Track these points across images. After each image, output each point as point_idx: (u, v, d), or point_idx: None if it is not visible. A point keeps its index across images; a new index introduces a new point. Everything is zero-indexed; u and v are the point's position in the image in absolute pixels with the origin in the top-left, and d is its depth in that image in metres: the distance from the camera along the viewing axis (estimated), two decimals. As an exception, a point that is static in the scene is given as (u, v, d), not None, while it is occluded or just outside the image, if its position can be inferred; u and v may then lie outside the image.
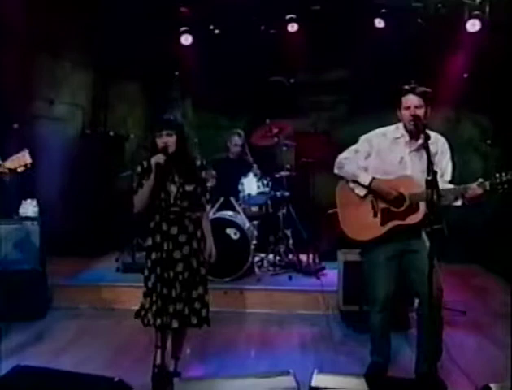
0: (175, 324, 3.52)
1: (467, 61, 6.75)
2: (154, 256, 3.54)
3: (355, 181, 3.68)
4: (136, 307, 3.69)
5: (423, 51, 6.61)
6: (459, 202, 3.48)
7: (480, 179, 3.37)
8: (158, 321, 3.50)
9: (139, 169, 3.57)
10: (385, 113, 3.97)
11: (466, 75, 6.90)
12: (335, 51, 7.05)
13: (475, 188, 3.36)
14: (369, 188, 3.62)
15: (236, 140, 6.37)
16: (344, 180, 3.77)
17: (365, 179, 3.63)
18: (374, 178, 3.60)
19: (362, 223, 3.65)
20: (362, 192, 3.68)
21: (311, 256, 6.14)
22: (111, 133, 7.34)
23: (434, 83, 3.72)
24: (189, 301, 3.56)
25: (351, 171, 3.68)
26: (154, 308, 3.50)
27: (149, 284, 3.55)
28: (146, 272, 3.58)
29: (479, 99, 6.83)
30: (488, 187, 3.34)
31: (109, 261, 6.39)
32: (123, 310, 5.19)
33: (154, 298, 3.50)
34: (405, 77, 3.71)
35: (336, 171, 3.77)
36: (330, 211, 3.91)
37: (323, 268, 5.97)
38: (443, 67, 6.74)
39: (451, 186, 3.53)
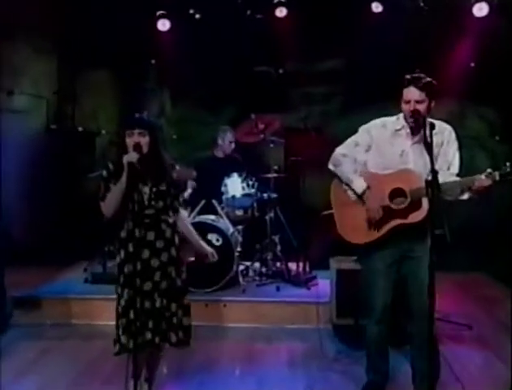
0: (157, 340, 3.49)
1: (474, 49, 6.80)
2: (127, 269, 3.48)
3: (348, 184, 3.71)
4: (108, 322, 3.64)
5: (425, 38, 6.64)
6: (466, 196, 3.51)
7: (489, 170, 3.40)
8: (139, 340, 3.40)
9: (105, 173, 3.53)
10: (384, 106, 3.99)
11: (472, 65, 6.95)
12: (328, 38, 7.07)
13: (482, 180, 3.39)
14: (360, 197, 3.65)
15: (230, 136, 6.39)
16: (338, 178, 3.79)
17: (358, 187, 3.65)
18: (368, 187, 3.62)
19: (360, 223, 3.66)
20: (353, 197, 3.71)
21: (301, 264, 6.16)
22: (80, 128, 7.31)
23: (437, 73, 3.73)
24: (171, 314, 3.54)
25: (346, 174, 3.70)
26: (132, 327, 3.42)
27: (123, 302, 3.48)
28: (120, 290, 3.51)
29: (486, 91, 6.85)
30: (497, 177, 3.38)
31: (76, 271, 6.36)
32: (93, 326, 5.18)
33: (133, 316, 3.42)
34: (405, 67, 3.72)
35: (330, 167, 3.79)
36: (325, 213, 3.92)
37: (315, 277, 5.99)
38: (447, 56, 6.79)
39: (457, 179, 3.55)
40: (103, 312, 5.19)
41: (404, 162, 3.61)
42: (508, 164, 3.38)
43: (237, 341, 5.03)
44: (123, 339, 3.46)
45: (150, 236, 3.51)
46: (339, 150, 3.77)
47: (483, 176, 3.40)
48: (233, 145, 6.41)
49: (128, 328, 3.44)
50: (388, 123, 3.69)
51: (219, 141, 6.41)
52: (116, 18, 6.71)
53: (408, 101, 3.54)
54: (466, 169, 3.75)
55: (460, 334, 4.96)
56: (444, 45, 6.76)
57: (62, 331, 5.15)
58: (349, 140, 3.77)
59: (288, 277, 6.01)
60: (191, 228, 3.79)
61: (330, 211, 3.84)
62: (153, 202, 3.51)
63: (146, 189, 3.51)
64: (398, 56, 6.44)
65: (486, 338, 4.97)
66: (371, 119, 3.81)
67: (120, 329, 3.48)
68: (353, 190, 3.69)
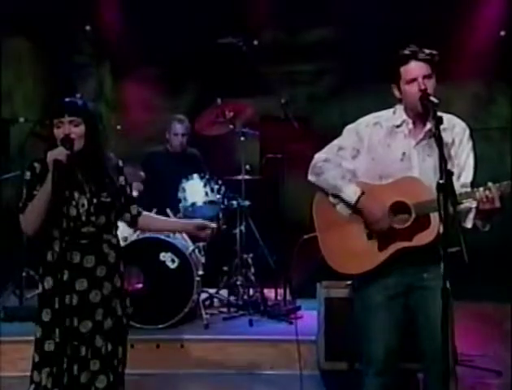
0: None
1: (504, 12, 6.90)
2: (57, 303, 3.41)
3: (337, 196, 3.74)
4: (25, 373, 3.59)
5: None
6: (469, 224, 3.51)
7: (489, 183, 3.36)
8: None
9: (28, 175, 3.49)
10: (388, 89, 4.03)
11: (503, 34, 7.05)
12: (316, 1, 7.15)
13: (484, 193, 3.34)
14: (355, 207, 3.64)
15: (177, 128, 6.42)
16: (323, 191, 3.82)
17: (350, 194, 3.64)
18: (363, 193, 3.63)
19: (353, 249, 3.67)
20: (345, 211, 3.72)
21: (281, 291, 6.24)
22: (-13, 115, 7.28)
23: (456, 45, 3.70)
24: (118, 361, 3.53)
25: (332, 182, 3.69)
26: (63, 379, 3.37)
27: (50, 346, 3.43)
28: (39, 332, 3.47)
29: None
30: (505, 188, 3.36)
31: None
32: (5, 379, 5.11)
33: (66, 365, 3.38)
34: (415, 36, 3.75)
35: (311, 178, 3.78)
36: (306, 236, 3.95)
37: (298, 308, 6.05)
38: (469, 23, 6.88)
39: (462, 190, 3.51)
40: (18, 359, 5.14)
41: (406, 168, 3.62)
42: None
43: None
44: None
45: (89, 261, 3.48)
46: (319, 156, 3.77)
47: (481, 189, 3.36)
48: (181, 139, 6.42)
49: (58, 379, 3.39)
50: (383, 119, 3.71)
51: (166, 134, 6.46)
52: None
53: (413, 80, 3.53)
54: (494, 170, 3.75)
55: (486, 382, 5.01)
56: (466, 8, 6.85)
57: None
58: (331, 144, 3.78)
59: (264, 308, 6.07)
60: (156, 217, 3.96)
61: (312, 234, 3.83)
62: (92, 218, 3.49)
63: (84, 200, 3.49)
64: (406, 23, 6.52)
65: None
66: (371, 105, 3.84)
67: (45, 381, 3.40)
68: (344, 201, 3.67)
